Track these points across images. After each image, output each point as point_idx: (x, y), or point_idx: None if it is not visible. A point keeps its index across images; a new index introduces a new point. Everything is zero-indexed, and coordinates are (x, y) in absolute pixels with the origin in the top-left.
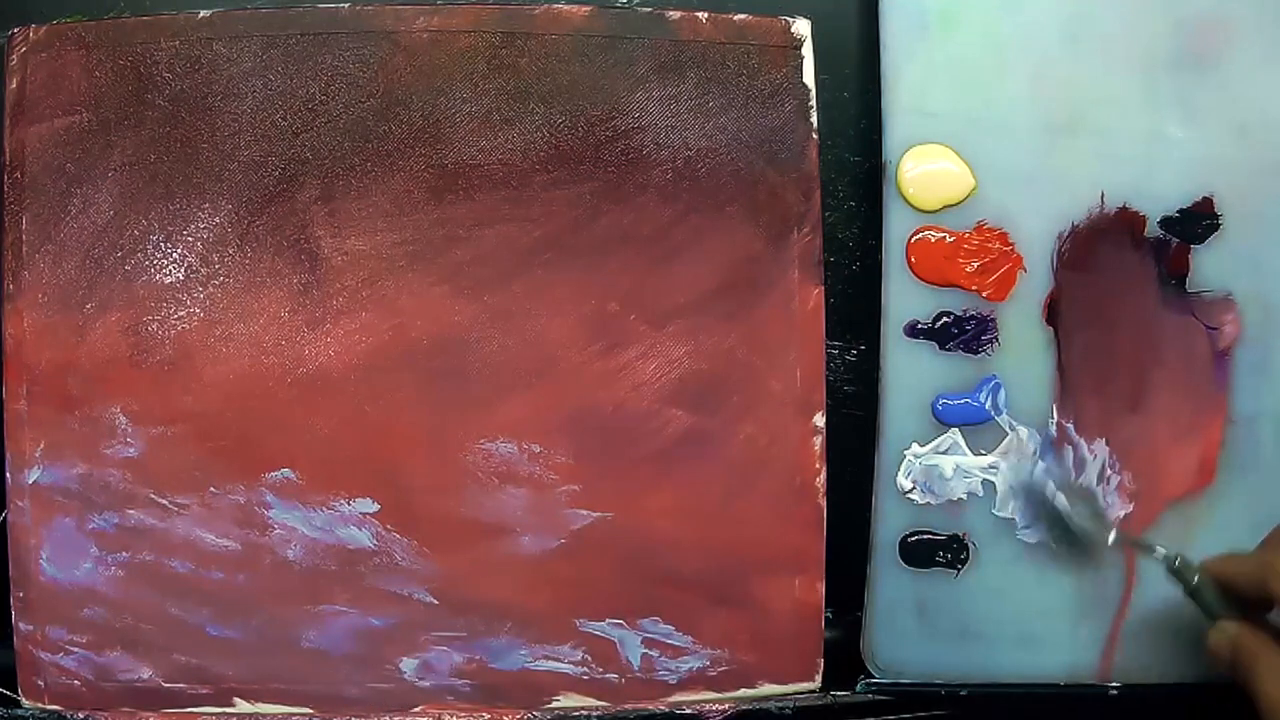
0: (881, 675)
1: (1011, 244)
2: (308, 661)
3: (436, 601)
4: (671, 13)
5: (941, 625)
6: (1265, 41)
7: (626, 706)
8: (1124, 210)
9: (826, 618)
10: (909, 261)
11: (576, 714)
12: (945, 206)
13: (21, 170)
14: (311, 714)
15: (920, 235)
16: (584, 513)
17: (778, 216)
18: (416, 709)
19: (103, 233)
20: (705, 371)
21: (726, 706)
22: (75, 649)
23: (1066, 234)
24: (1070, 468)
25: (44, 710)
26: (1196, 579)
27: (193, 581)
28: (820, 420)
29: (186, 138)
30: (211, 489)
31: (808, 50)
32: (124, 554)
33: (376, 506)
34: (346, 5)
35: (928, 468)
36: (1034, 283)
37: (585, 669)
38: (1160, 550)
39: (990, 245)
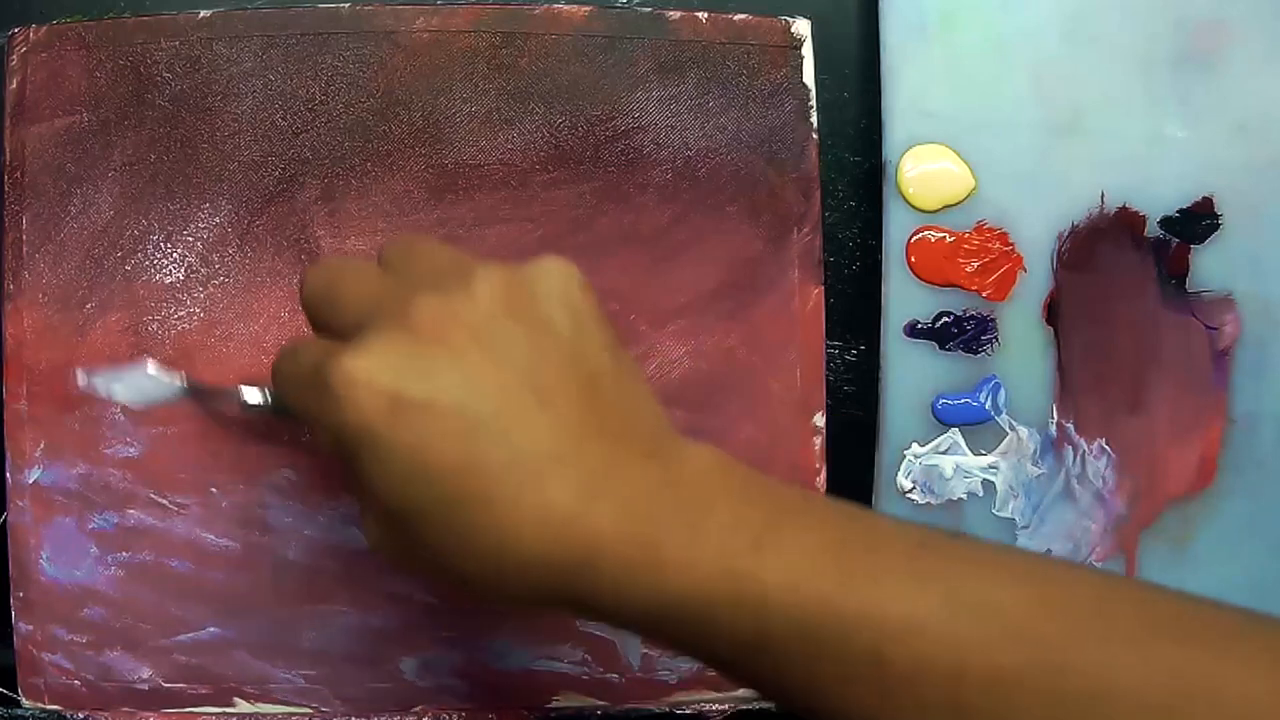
0: None
1: (1011, 244)
2: (308, 661)
3: (436, 601)
4: (671, 13)
5: None
6: (1265, 41)
7: (627, 706)
8: (1124, 210)
9: None
10: (909, 261)
11: (576, 714)
12: (945, 206)
13: (21, 170)
14: (311, 714)
15: (920, 235)
16: None
17: (778, 216)
18: (416, 709)
19: (103, 233)
20: (705, 371)
21: (726, 707)
22: (75, 649)
23: (1066, 234)
24: None
25: (44, 710)
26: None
27: (193, 581)
28: (820, 420)
29: (186, 138)
30: (212, 489)
31: (808, 50)
32: (124, 554)
33: None
34: (346, 5)
35: (928, 468)
36: (1034, 283)
37: (585, 669)
38: (243, 390)
39: (990, 245)
